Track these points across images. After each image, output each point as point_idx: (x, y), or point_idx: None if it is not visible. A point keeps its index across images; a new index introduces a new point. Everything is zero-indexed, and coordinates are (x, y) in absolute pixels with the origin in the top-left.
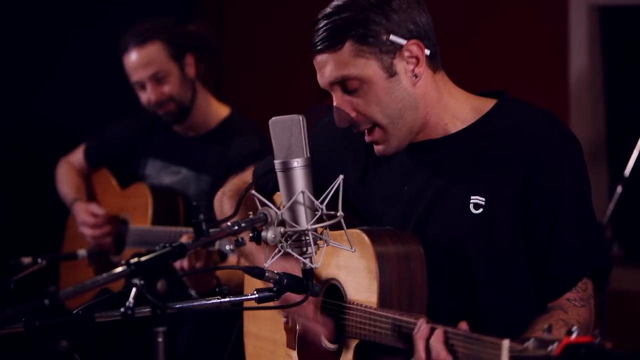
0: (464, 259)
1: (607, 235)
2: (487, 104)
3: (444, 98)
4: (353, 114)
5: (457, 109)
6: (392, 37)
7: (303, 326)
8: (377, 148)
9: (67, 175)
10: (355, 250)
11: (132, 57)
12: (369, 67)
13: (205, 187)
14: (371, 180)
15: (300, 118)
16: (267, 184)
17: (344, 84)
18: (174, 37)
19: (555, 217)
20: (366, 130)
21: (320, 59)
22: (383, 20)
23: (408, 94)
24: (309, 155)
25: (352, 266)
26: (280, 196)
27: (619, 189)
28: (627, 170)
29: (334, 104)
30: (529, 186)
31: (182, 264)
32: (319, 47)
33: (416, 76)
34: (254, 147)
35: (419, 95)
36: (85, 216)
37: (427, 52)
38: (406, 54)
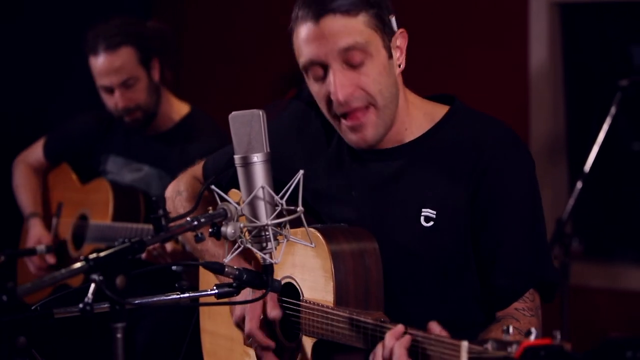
0: (413, 271)
1: (567, 231)
2: (439, 110)
3: (407, 101)
4: (351, 89)
5: (413, 114)
6: (393, 20)
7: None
8: (359, 135)
9: (25, 180)
10: (315, 245)
11: (102, 61)
12: (377, 42)
13: (167, 184)
14: (323, 181)
15: (260, 113)
16: (222, 179)
17: (348, 56)
18: (143, 40)
19: (501, 229)
20: (353, 113)
21: (325, 24)
22: (388, 3)
23: (396, 82)
24: (268, 150)
25: (307, 265)
26: (235, 193)
27: (579, 185)
28: (587, 166)
29: (333, 77)
30: (477, 198)
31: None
32: (331, 8)
33: (399, 66)
34: (214, 143)
35: (399, 88)
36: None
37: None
38: (397, 41)
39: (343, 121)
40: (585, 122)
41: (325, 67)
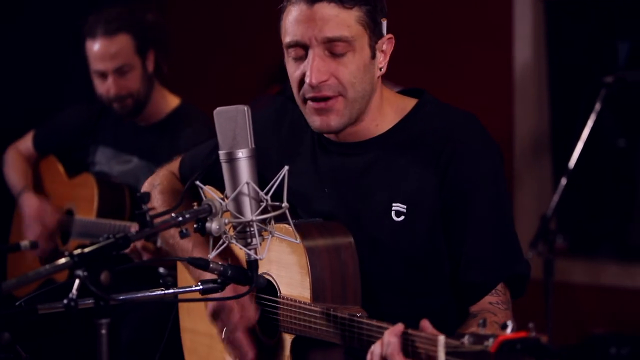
0: (387, 266)
1: (552, 228)
2: (408, 103)
3: (382, 99)
4: (327, 76)
5: (385, 109)
6: (384, 24)
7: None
8: (323, 119)
9: (15, 162)
10: (300, 241)
11: (99, 46)
12: (363, 40)
13: None
14: (296, 176)
15: (245, 109)
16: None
17: (332, 45)
18: (142, 30)
19: (469, 222)
20: (321, 99)
21: (318, 9)
22: (384, 6)
23: (372, 82)
24: (253, 146)
25: (283, 261)
26: (212, 190)
27: (563, 181)
28: (572, 163)
29: (311, 60)
30: (444, 191)
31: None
32: None
33: (380, 69)
34: (203, 137)
35: (374, 88)
36: (36, 222)
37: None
38: (383, 45)
39: (310, 103)
40: (569, 118)
41: (306, 49)
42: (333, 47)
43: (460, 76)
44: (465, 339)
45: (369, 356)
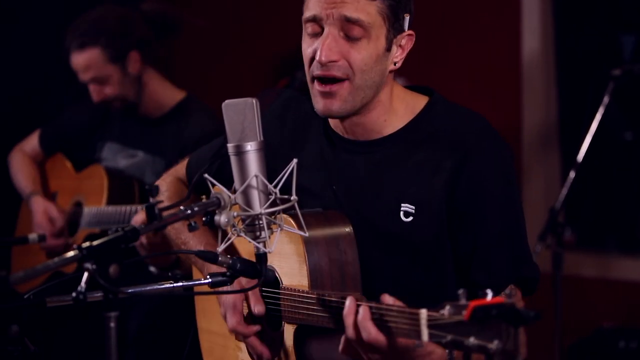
0: (392, 265)
1: (560, 221)
2: (419, 102)
3: (393, 95)
4: (337, 57)
5: (396, 105)
6: (407, 20)
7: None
8: (326, 102)
9: (21, 164)
10: (308, 234)
11: (73, 59)
12: (381, 30)
13: (161, 170)
14: (305, 172)
15: (254, 101)
16: (208, 173)
17: (349, 26)
18: (112, 39)
19: (479, 224)
20: (328, 82)
21: None
22: (410, 2)
23: (383, 75)
24: (262, 138)
25: (283, 252)
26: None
27: (572, 175)
28: (580, 156)
29: (324, 38)
30: (454, 193)
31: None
32: None
33: (395, 64)
34: (208, 130)
35: (384, 81)
36: (44, 220)
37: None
38: (402, 40)
39: (316, 85)
40: (577, 111)
41: (323, 27)
42: (349, 30)
43: (468, 68)
44: (446, 311)
45: (340, 347)
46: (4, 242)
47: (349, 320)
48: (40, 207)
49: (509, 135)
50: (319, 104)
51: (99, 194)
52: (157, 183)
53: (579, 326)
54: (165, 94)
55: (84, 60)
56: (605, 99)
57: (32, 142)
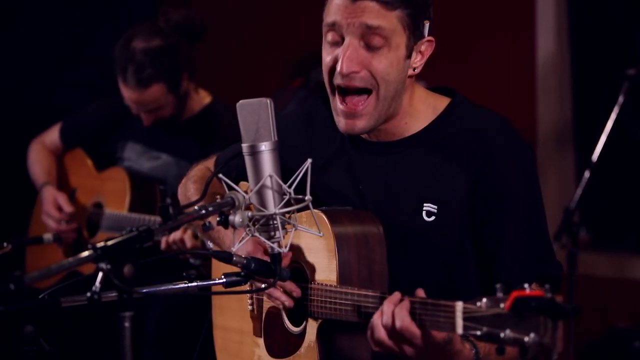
0: (415, 264)
1: (575, 220)
2: (441, 103)
3: (413, 97)
4: (359, 68)
5: (417, 107)
6: (426, 26)
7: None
8: (350, 122)
9: (39, 156)
10: (323, 235)
11: (131, 94)
12: (401, 38)
13: (185, 173)
14: (329, 173)
15: (268, 101)
16: (232, 171)
17: (369, 36)
18: (173, 72)
19: (502, 223)
20: (352, 101)
21: (361, 3)
22: (430, 9)
23: (403, 81)
24: (276, 138)
25: (312, 247)
26: (245, 185)
27: (587, 174)
28: (595, 155)
29: (345, 48)
30: (476, 193)
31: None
32: None
33: (414, 69)
34: (233, 135)
35: (406, 88)
36: (51, 208)
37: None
38: (422, 46)
39: (339, 104)
40: (592, 111)
41: (343, 38)
42: (370, 39)
43: (483, 68)
44: (483, 303)
45: (369, 332)
46: (19, 242)
47: (388, 308)
48: (50, 195)
49: (524, 136)
50: (340, 122)
51: (121, 198)
52: (187, 175)
53: (594, 326)
54: (193, 98)
55: (149, 97)
56: (620, 99)
57: (52, 135)
